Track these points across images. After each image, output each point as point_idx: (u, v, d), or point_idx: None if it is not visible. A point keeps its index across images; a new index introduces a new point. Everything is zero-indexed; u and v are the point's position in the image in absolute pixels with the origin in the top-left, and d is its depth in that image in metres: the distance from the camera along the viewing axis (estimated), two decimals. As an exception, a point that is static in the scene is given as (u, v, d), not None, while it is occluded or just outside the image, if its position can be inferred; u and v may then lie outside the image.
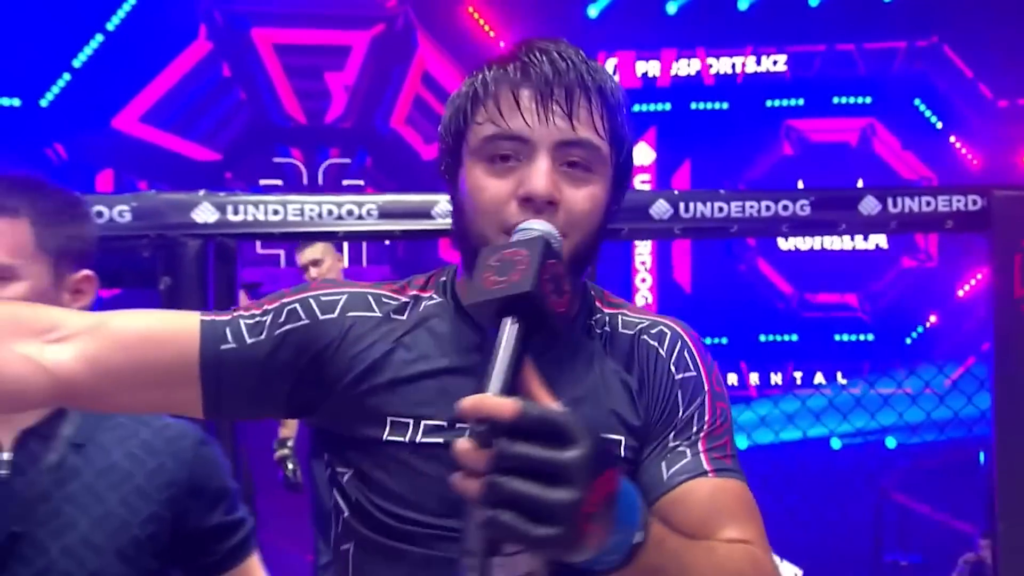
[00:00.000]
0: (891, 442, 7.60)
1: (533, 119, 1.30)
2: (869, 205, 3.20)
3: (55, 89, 9.10)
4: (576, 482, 0.97)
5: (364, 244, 9.04)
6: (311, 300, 1.43)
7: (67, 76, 9.07)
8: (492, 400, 1.01)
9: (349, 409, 1.39)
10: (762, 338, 9.67)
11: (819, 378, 9.18)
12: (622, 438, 1.33)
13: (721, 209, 3.14)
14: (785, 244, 9.38)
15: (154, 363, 1.35)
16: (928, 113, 9.57)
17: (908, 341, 9.46)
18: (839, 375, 8.96)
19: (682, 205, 3.17)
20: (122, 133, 9.21)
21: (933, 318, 9.37)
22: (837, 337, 9.35)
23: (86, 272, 1.72)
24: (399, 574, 1.37)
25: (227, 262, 3.06)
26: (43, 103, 9.13)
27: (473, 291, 1.16)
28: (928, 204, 3.19)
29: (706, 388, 1.39)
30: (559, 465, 0.97)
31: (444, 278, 1.48)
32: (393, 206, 3.14)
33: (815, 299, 9.47)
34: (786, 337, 9.68)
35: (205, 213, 2.95)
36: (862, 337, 9.53)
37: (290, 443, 5.18)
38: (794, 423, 5.30)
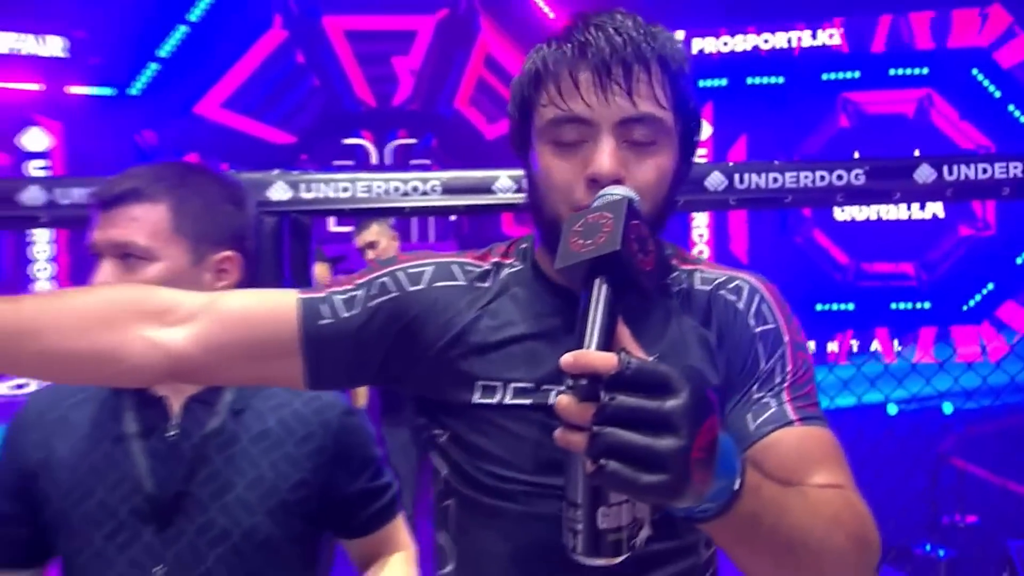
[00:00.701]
0: (948, 407, 7.42)
1: (593, 100, 1.26)
2: (924, 173, 3.08)
3: (143, 79, 9.31)
4: (681, 429, 0.95)
5: (431, 221, 9.14)
6: (400, 273, 1.44)
7: (154, 66, 9.32)
8: (594, 354, 1.00)
9: (440, 375, 1.41)
10: (819, 307, 9.52)
11: (875, 345, 8.97)
12: None
13: (776, 180, 3.04)
14: (841, 215, 9.32)
15: (258, 340, 1.39)
16: (986, 83, 9.32)
17: (965, 309, 9.20)
18: (895, 343, 8.81)
19: (736, 176, 3.08)
20: (205, 119, 9.44)
21: (991, 285, 9.01)
22: (893, 305, 9.16)
23: (227, 252, 1.73)
24: (499, 530, 1.39)
25: (301, 237, 3.07)
26: (133, 92, 9.29)
27: (562, 256, 1.14)
28: (984, 171, 3.07)
29: (786, 339, 1.34)
30: (663, 414, 0.95)
31: (524, 245, 1.48)
32: (456, 182, 3.11)
33: (871, 268, 9.33)
34: (842, 306, 9.50)
35: (279, 191, 2.94)
36: (919, 305, 9.31)
37: (362, 413, 5.21)
38: (849, 389, 5.18)
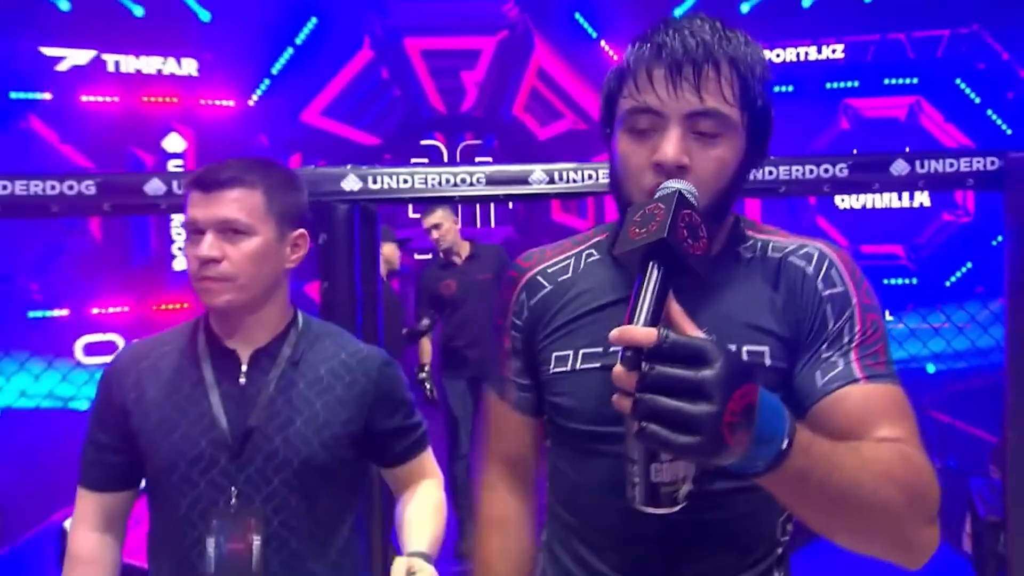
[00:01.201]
0: (931, 368, 7.29)
1: (664, 94, 1.21)
2: (899, 167, 3.09)
3: (259, 92, 9.50)
4: (715, 396, 0.92)
5: (492, 208, 9.20)
6: (537, 278, 1.47)
7: (267, 81, 9.49)
8: (635, 329, 0.99)
9: (537, 352, 1.43)
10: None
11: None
12: (766, 348, 1.24)
13: (771, 172, 3.04)
14: (841, 204, 9.27)
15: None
16: (968, 91, 9.24)
17: (947, 284, 9.14)
18: (887, 313, 8.68)
19: None
20: (307, 124, 9.54)
21: (969, 264, 8.94)
22: (885, 281, 9.08)
23: (301, 231, 1.77)
24: (590, 468, 1.37)
25: (369, 222, 3.13)
26: (250, 103, 9.49)
27: (621, 242, 1.12)
28: (951, 165, 3.08)
29: (854, 302, 1.25)
30: (696, 382, 0.93)
31: (613, 230, 1.45)
32: (497, 175, 3.16)
33: (866, 250, 9.24)
34: (841, 280, 9.19)
35: (351, 182, 2.99)
36: (907, 281, 9.22)
37: (427, 368, 5.22)
38: None
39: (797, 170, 3.04)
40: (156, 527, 1.71)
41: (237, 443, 1.66)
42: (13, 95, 8.93)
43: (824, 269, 1.26)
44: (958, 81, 9.18)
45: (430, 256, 7.26)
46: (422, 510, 1.80)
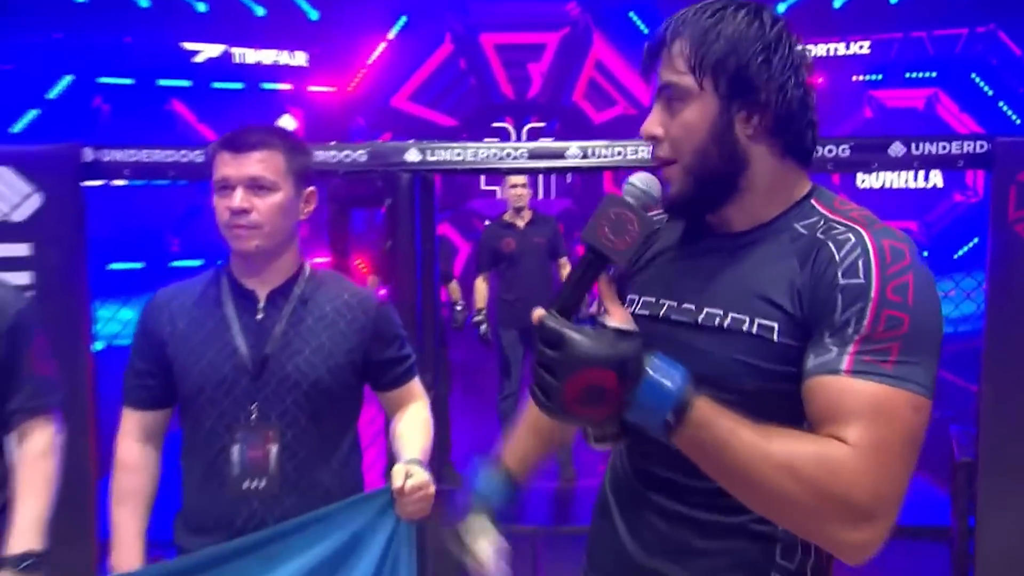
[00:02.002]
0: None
1: (651, 75, 1.17)
2: (897, 148, 2.98)
3: (356, 79, 9.68)
4: (558, 374, 0.95)
5: (553, 180, 9.18)
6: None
7: (363, 71, 9.66)
8: (537, 311, 1.00)
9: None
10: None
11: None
12: (776, 324, 1.07)
13: None
14: (862, 184, 8.97)
15: None
16: (983, 84, 8.95)
17: (956, 257, 8.85)
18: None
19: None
20: (397, 109, 9.80)
21: (976, 240, 8.58)
22: (901, 253, 8.73)
23: (312, 188, 1.74)
24: None
25: (428, 189, 3.13)
26: (349, 89, 9.68)
27: (589, 231, 1.04)
28: (944, 148, 2.96)
29: (872, 296, 1.00)
30: (547, 360, 0.96)
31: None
32: (538, 150, 3.12)
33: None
34: (859, 253, 9.01)
35: (413, 155, 2.97)
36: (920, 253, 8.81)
37: (483, 312, 5.20)
38: None
39: (804, 150, 2.96)
40: (188, 439, 1.72)
41: (255, 368, 1.65)
42: (160, 82, 9.29)
43: (851, 259, 1.04)
44: (974, 75, 8.87)
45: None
46: (413, 426, 1.79)
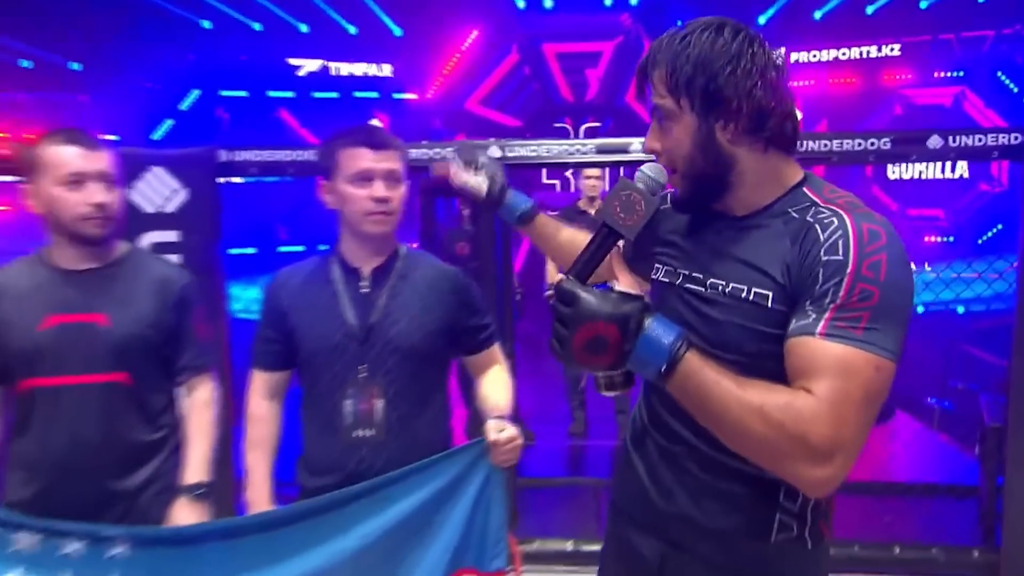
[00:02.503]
0: (960, 309, 6.82)
1: (643, 96, 1.21)
2: (934, 141, 2.90)
3: (434, 87, 9.67)
4: (568, 326, 1.02)
5: (621, 171, 9.05)
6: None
7: (440, 80, 9.64)
8: (556, 277, 1.09)
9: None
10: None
11: (912, 267, 8.35)
12: (770, 293, 1.11)
13: (825, 144, 2.90)
14: (892, 175, 8.66)
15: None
16: (1008, 82, 8.48)
17: (980, 242, 8.42)
18: (926, 264, 8.18)
19: (798, 144, 2.96)
20: (470, 112, 9.64)
21: (1000, 226, 8.26)
22: (927, 238, 8.50)
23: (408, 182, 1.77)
24: None
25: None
26: (428, 95, 9.66)
27: (602, 211, 1.12)
28: (979, 140, 2.87)
29: (848, 271, 1.03)
30: (561, 314, 1.03)
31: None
32: (604, 146, 3.12)
33: (913, 212, 8.68)
34: (890, 238, 8.71)
35: (494, 151, 3.01)
36: (946, 239, 8.60)
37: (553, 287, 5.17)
38: None
39: (847, 143, 2.91)
40: (306, 395, 1.75)
41: (362, 335, 1.67)
42: (269, 94, 9.54)
43: (833, 239, 1.08)
44: (999, 74, 8.43)
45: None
46: (497, 386, 1.80)
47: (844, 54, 8.91)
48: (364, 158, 1.64)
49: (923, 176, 8.69)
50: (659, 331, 1.02)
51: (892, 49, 8.81)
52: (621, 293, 1.03)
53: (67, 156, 1.68)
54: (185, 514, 1.75)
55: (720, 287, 1.16)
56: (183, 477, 1.80)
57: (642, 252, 1.36)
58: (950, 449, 4.48)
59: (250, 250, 8.78)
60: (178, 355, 1.84)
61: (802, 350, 1.04)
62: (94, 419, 1.70)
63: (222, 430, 1.95)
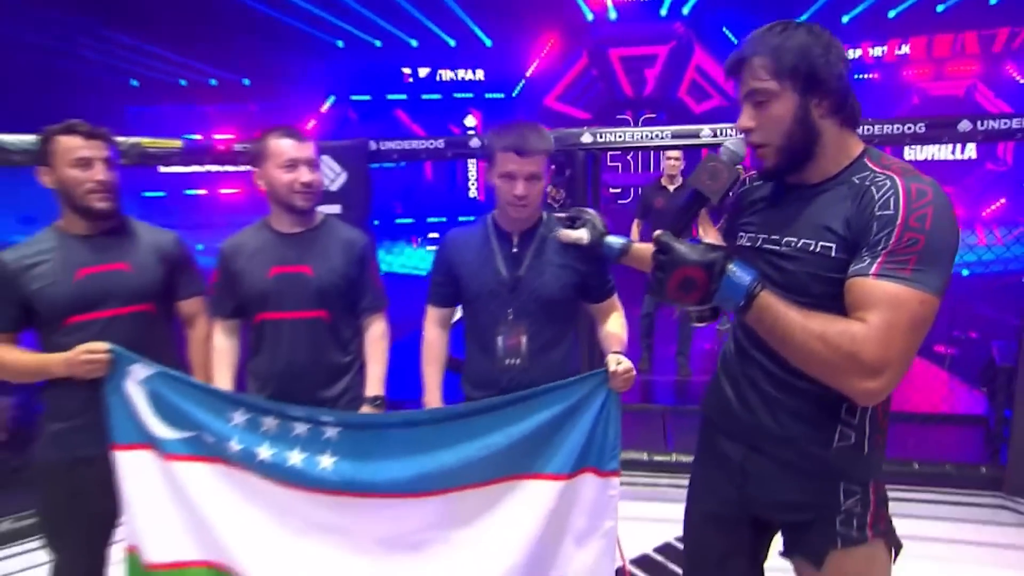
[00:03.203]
0: (965, 272, 6.44)
1: (736, 85, 1.17)
2: (964, 125, 2.75)
3: (518, 88, 9.54)
4: (665, 271, 1.06)
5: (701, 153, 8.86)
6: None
7: (523, 81, 9.51)
8: (656, 233, 1.08)
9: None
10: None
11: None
12: (833, 244, 1.10)
13: (868, 129, 2.79)
14: (909, 155, 8.14)
15: None
16: (1016, 76, 7.92)
17: (984, 214, 7.99)
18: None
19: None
20: (548, 106, 9.53)
21: (1003, 200, 7.75)
22: (937, 210, 7.98)
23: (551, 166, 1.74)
24: None
25: (596, 163, 3.15)
26: (513, 95, 9.55)
27: (694, 177, 1.12)
28: (1005, 123, 2.72)
29: (899, 222, 1.02)
30: (658, 262, 1.06)
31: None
32: (679, 132, 3.04)
33: None
34: (904, 208, 8.28)
35: (586, 137, 2.99)
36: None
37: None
38: None
39: (887, 128, 2.79)
40: (469, 327, 1.76)
41: (511, 285, 1.68)
42: (387, 96, 9.66)
43: (886, 197, 1.06)
44: (1009, 68, 7.85)
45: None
46: (615, 328, 1.77)
47: (869, 52, 8.43)
48: (511, 162, 1.63)
49: (937, 158, 8.24)
50: (739, 274, 1.06)
51: (911, 47, 8.32)
52: (708, 244, 1.06)
53: (285, 146, 1.75)
54: None
55: (792, 243, 1.15)
56: (366, 391, 1.86)
57: (731, 230, 1.34)
58: (958, 388, 4.33)
59: (375, 222, 9.04)
60: (360, 298, 1.88)
61: (858, 288, 1.04)
62: (304, 344, 1.77)
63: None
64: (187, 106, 9.45)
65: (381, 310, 1.92)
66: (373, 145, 3.06)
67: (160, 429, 1.60)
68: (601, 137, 3.00)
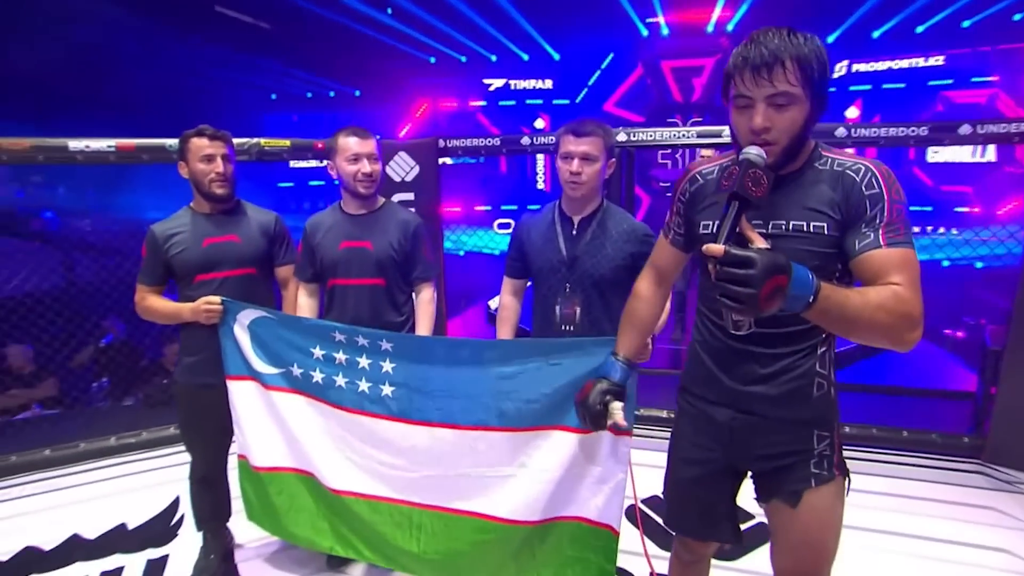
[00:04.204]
0: (979, 264, 5.81)
1: (752, 85, 1.02)
2: (965, 129, 2.44)
3: (582, 94, 9.24)
4: (753, 285, 0.88)
5: (715, 152, 8.33)
6: (696, 175, 1.24)
7: (586, 89, 9.18)
8: (713, 246, 0.91)
9: (693, 217, 1.25)
10: (912, 208, 7.59)
11: (941, 230, 7.25)
12: (825, 224, 1.05)
13: (875, 132, 2.51)
14: (932, 158, 7.43)
15: None
16: None
17: (999, 213, 7.17)
18: (954, 230, 7.02)
19: (852, 130, 2.59)
20: (607, 111, 9.04)
21: (1016, 201, 6.87)
22: (956, 209, 7.25)
23: (612, 159, 1.61)
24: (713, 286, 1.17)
25: (630, 158, 2.99)
26: (577, 100, 9.25)
27: (739, 185, 0.99)
28: (1003, 128, 2.38)
29: (886, 198, 1.02)
30: (743, 277, 0.88)
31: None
32: (703, 132, 2.87)
33: (945, 188, 7.49)
34: (925, 208, 7.70)
35: (621, 136, 2.85)
36: (972, 209, 7.38)
37: None
38: (928, 252, 4.19)
39: (892, 131, 2.52)
40: (535, 296, 1.70)
41: (569, 263, 1.62)
42: (472, 103, 9.59)
43: (867, 179, 1.04)
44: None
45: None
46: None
47: (896, 64, 7.61)
48: (568, 143, 1.57)
49: (956, 160, 7.47)
50: (800, 271, 0.92)
51: (937, 60, 7.48)
52: (768, 248, 0.93)
53: (350, 143, 1.75)
54: None
55: (782, 226, 1.07)
56: None
57: (691, 222, 1.23)
58: (957, 367, 3.95)
59: (455, 208, 9.10)
60: (412, 269, 1.85)
61: (876, 259, 1.00)
62: (366, 306, 1.77)
63: (438, 320, 1.97)
64: (314, 113, 9.98)
65: (430, 279, 1.89)
66: (441, 143, 3.02)
67: (260, 365, 1.67)
68: (634, 136, 2.86)
